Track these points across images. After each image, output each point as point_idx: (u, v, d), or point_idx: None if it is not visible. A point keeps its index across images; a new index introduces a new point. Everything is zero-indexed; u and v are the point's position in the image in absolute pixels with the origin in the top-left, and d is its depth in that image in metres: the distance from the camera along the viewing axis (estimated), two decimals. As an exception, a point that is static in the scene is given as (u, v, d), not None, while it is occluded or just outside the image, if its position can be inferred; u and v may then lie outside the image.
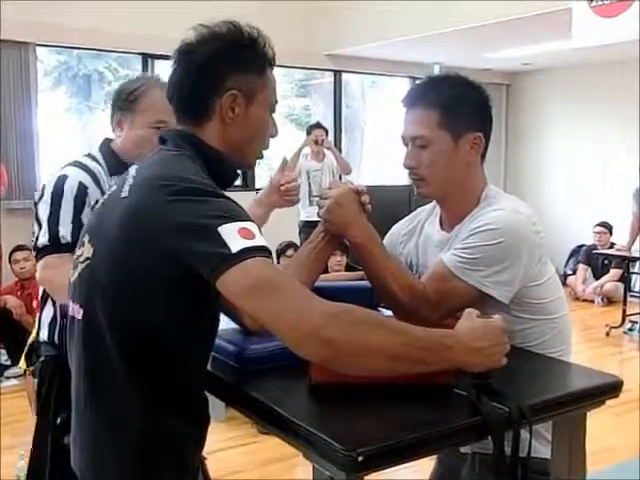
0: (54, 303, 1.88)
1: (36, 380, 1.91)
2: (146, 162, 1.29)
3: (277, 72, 1.36)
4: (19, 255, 5.13)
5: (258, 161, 1.39)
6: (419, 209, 1.78)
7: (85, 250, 1.24)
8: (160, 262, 1.12)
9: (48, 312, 1.90)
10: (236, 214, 1.12)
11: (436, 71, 7.56)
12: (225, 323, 1.42)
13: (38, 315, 1.97)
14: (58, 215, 1.78)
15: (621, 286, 6.78)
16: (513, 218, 1.49)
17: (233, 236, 1.07)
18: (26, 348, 2.72)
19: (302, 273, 1.46)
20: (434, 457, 1.81)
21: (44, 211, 1.81)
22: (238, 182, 1.40)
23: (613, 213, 7.50)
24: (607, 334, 5.96)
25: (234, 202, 1.16)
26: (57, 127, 7.05)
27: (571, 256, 8.06)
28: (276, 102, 1.36)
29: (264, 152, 1.39)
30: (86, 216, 1.77)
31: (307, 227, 5.91)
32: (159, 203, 1.12)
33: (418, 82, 1.66)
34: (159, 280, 1.14)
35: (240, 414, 1.35)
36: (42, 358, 1.91)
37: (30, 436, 1.91)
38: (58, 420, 1.77)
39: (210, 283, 1.08)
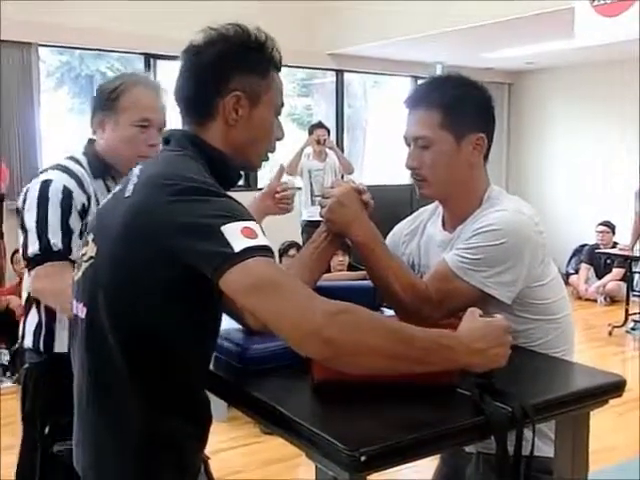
0: (39, 310, 1.83)
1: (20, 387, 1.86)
2: (150, 162, 1.29)
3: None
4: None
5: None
6: (421, 209, 1.78)
7: (89, 249, 1.24)
8: (162, 261, 1.12)
9: (33, 318, 1.85)
10: (239, 213, 1.12)
11: (438, 70, 7.55)
12: (227, 323, 1.42)
13: (22, 322, 1.91)
14: (46, 222, 1.71)
15: (624, 285, 6.77)
16: (516, 219, 1.49)
17: (236, 235, 1.07)
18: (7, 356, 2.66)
19: (304, 273, 1.47)
20: (437, 457, 1.81)
21: (30, 218, 1.73)
22: (240, 182, 1.39)
23: (615, 212, 7.50)
24: (610, 333, 5.96)
25: (237, 202, 1.16)
26: (59, 127, 7.06)
27: (573, 255, 8.05)
28: (282, 105, 1.36)
29: (270, 154, 1.38)
30: (74, 220, 1.73)
31: (309, 227, 5.91)
32: (162, 202, 1.12)
33: (421, 83, 1.66)
34: (161, 279, 1.14)
35: (242, 414, 1.35)
36: (26, 365, 1.85)
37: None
38: (46, 429, 1.73)
39: (213, 282, 1.08)
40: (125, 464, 1.20)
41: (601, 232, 7.42)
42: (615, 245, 7.21)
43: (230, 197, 1.16)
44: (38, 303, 1.83)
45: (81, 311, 1.24)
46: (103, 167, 1.84)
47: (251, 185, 6.93)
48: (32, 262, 1.72)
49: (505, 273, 1.45)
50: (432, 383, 1.14)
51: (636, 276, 7.01)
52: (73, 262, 1.65)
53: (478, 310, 1.23)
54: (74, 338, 1.30)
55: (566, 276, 7.54)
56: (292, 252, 4.74)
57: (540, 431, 1.39)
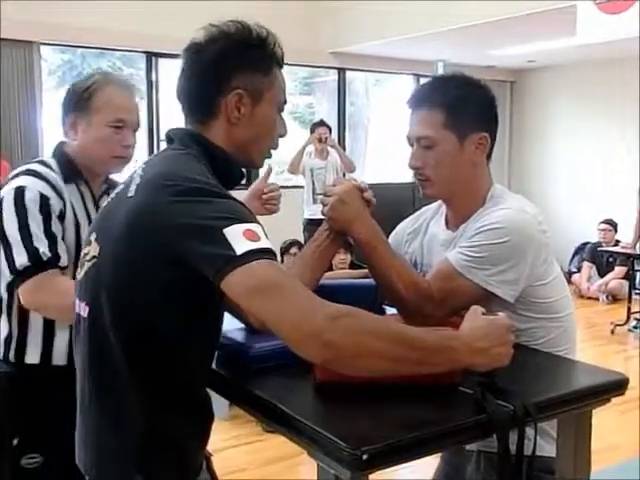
0: (9, 319, 1.73)
1: None
2: (153, 161, 1.29)
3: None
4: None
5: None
6: (424, 208, 1.77)
7: (92, 249, 1.24)
8: (164, 262, 1.12)
9: (4, 328, 1.75)
10: (241, 215, 1.11)
11: (440, 69, 7.54)
12: (229, 322, 1.42)
13: None
14: (29, 231, 1.62)
15: (626, 284, 6.76)
16: (519, 217, 1.49)
17: (238, 238, 1.07)
18: None
19: (306, 271, 1.47)
20: (437, 456, 1.80)
21: (12, 229, 1.63)
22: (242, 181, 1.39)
23: (618, 210, 7.49)
24: (612, 332, 5.95)
25: (239, 203, 1.16)
26: (61, 126, 7.06)
27: (575, 254, 8.04)
28: (285, 102, 1.36)
29: (272, 152, 1.38)
30: (55, 226, 1.66)
31: (311, 225, 5.91)
32: (164, 203, 1.12)
33: (423, 82, 1.66)
34: (162, 280, 1.14)
35: (244, 412, 1.35)
36: None
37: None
38: (15, 441, 1.68)
39: (214, 284, 1.08)
40: (127, 463, 1.20)
41: (603, 230, 7.42)
42: (617, 243, 7.21)
43: (233, 198, 1.16)
44: (9, 312, 1.73)
45: (83, 310, 1.24)
46: (75, 171, 1.77)
47: (252, 183, 6.93)
48: (22, 275, 1.62)
49: (508, 271, 1.45)
50: (434, 383, 1.14)
51: (638, 274, 7.00)
52: (62, 268, 1.65)
53: (480, 308, 1.22)
54: (76, 337, 1.30)
55: (568, 274, 7.53)
56: (294, 250, 4.75)
57: (542, 430, 1.39)
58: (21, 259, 1.61)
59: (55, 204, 1.67)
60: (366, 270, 1.57)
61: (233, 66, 1.27)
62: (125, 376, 1.17)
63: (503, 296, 1.46)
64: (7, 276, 1.65)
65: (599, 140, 8.11)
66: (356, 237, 1.50)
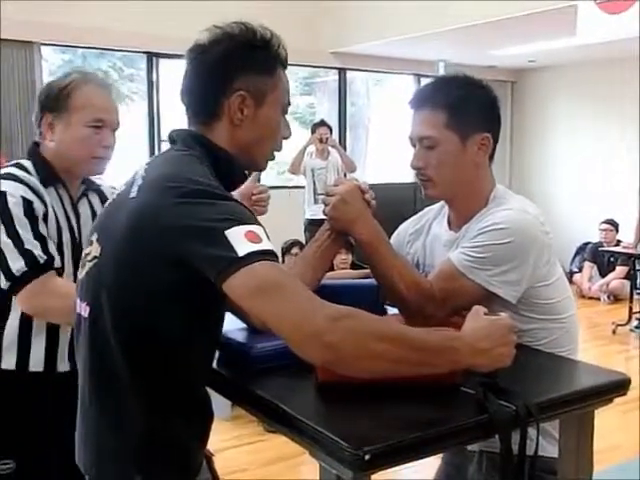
0: None
1: None
2: (155, 162, 1.29)
3: (282, 70, 1.35)
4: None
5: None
6: (427, 208, 1.77)
7: (93, 249, 1.24)
8: (166, 264, 1.12)
9: None
10: (243, 217, 1.11)
11: (441, 69, 7.55)
12: (231, 322, 1.42)
13: None
14: (19, 236, 1.58)
15: (627, 284, 6.75)
16: (522, 218, 1.49)
17: (240, 240, 1.07)
18: None
19: (308, 272, 1.47)
20: (439, 456, 1.80)
21: (0, 236, 1.59)
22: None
23: (619, 210, 7.48)
24: (613, 332, 5.94)
25: (241, 204, 1.16)
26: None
27: (577, 254, 8.03)
28: (289, 103, 1.35)
29: (276, 153, 1.37)
30: (42, 228, 1.62)
31: (312, 225, 5.91)
32: (166, 205, 1.12)
33: (426, 83, 1.65)
34: (164, 281, 1.14)
35: (246, 412, 1.35)
36: None
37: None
38: None
39: (216, 286, 1.08)
40: (126, 463, 1.20)
41: (604, 230, 7.41)
42: (618, 243, 7.20)
43: (235, 200, 1.16)
44: None
45: (84, 310, 1.24)
46: (53, 174, 1.71)
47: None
48: (22, 279, 1.58)
49: (510, 272, 1.44)
50: (436, 383, 1.14)
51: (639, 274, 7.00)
52: (57, 269, 1.62)
53: (483, 308, 1.22)
54: (77, 337, 1.30)
55: (569, 274, 7.52)
56: (295, 250, 4.74)
57: (544, 431, 1.39)
58: (18, 264, 1.58)
59: (38, 207, 1.63)
60: (367, 270, 1.57)
61: (236, 68, 1.26)
62: (125, 376, 1.17)
63: (505, 297, 1.45)
64: None
65: (600, 140, 8.11)
66: (358, 237, 1.49)
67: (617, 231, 7.38)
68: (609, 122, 7.97)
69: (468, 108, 1.52)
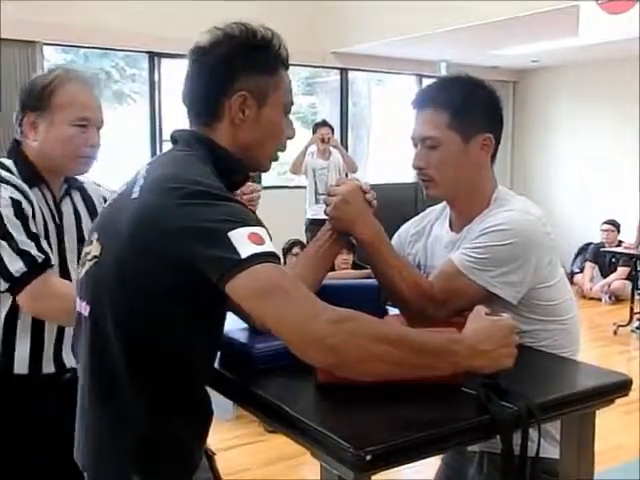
0: None
1: None
2: (157, 162, 1.29)
3: (283, 70, 1.35)
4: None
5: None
6: (428, 209, 1.77)
7: (93, 248, 1.24)
8: (168, 264, 1.12)
9: None
10: (246, 218, 1.11)
11: (442, 69, 7.54)
12: (232, 322, 1.42)
13: None
14: (13, 237, 1.55)
15: (629, 284, 6.75)
16: (524, 219, 1.49)
17: (243, 241, 1.07)
18: None
19: (309, 272, 1.46)
20: (440, 456, 1.80)
21: None
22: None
23: (620, 211, 7.48)
24: (615, 332, 5.94)
25: (244, 206, 1.16)
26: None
27: (578, 254, 8.03)
28: (292, 103, 1.35)
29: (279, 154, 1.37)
30: (33, 227, 1.59)
31: (313, 225, 5.91)
32: (169, 206, 1.12)
33: (429, 83, 1.65)
34: (165, 282, 1.14)
35: (247, 412, 1.35)
36: None
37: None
38: None
39: (219, 288, 1.08)
40: (125, 462, 1.20)
41: (606, 231, 7.41)
42: (620, 244, 7.19)
43: (238, 201, 1.16)
44: None
45: (84, 309, 1.25)
46: (36, 175, 1.68)
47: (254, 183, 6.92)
48: (20, 281, 1.55)
49: (512, 273, 1.44)
50: (437, 382, 1.14)
51: (641, 275, 7.00)
52: (52, 266, 1.60)
53: (484, 308, 1.22)
54: (77, 336, 1.30)
55: (571, 275, 7.52)
56: (296, 250, 4.74)
57: (545, 432, 1.38)
58: (16, 265, 1.55)
59: (26, 207, 1.60)
60: (368, 270, 1.57)
61: (237, 68, 1.26)
62: (125, 375, 1.17)
63: (506, 297, 1.45)
64: None
65: (602, 140, 8.10)
66: (359, 237, 1.49)
67: (619, 232, 7.37)
68: (611, 122, 7.96)
69: (471, 108, 1.52)
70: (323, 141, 6.39)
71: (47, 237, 1.65)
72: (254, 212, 1.75)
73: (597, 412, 1.30)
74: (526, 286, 1.47)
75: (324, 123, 6.55)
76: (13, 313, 1.64)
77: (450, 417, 1.10)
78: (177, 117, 1.40)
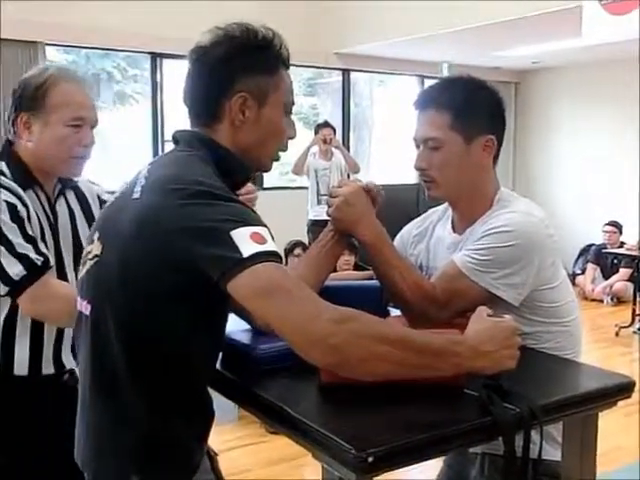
0: None
1: None
2: (158, 163, 1.29)
3: (285, 71, 1.35)
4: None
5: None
6: (430, 210, 1.77)
7: (94, 247, 1.25)
8: (169, 264, 1.12)
9: None
10: (248, 218, 1.12)
11: (444, 70, 7.54)
12: (234, 323, 1.42)
13: None
14: (9, 241, 1.54)
15: (631, 286, 6.75)
16: (527, 221, 1.48)
17: (245, 240, 1.07)
18: None
19: (311, 273, 1.46)
20: (441, 458, 1.80)
21: None
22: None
23: (622, 212, 7.47)
24: (617, 334, 5.93)
25: (246, 206, 1.16)
26: (66, 126, 7.05)
27: (580, 255, 8.02)
28: (292, 103, 1.35)
29: (280, 154, 1.36)
30: (29, 229, 1.58)
31: (315, 226, 5.91)
32: (170, 207, 1.12)
33: (431, 84, 1.65)
34: (167, 281, 1.14)
35: (248, 414, 1.35)
36: None
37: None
38: None
39: (220, 287, 1.08)
40: (125, 461, 1.20)
41: (608, 232, 7.40)
42: (622, 245, 7.18)
43: (240, 201, 1.16)
44: None
45: (85, 308, 1.25)
46: (30, 177, 1.66)
47: (256, 184, 6.93)
48: (19, 284, 1.54)
49: (514, 275, 1.44)
50: (439, 383, 1.14)
51: (643, 276, 6.99)
52: (51, 267, 1.59)
53: (486, 309, 1.22)
54: (78, 335, 1.30)
55: (573, 276, 7.51)
56: (297, 251, 4.74)
57: (547, 434, 1.38)
58: (15, 269, 1.54)
59: (22, 210, 1.58)
60: (370, 272, 1.57)
61: (237, 69, 1.26)
62: (126, 375, 1.17)
63: (508, 299, 1.45)
64: None
65: (604, 141, 8.09)
66: (361, 238, 1.49)
67: (621, 233, 7.36)
68: (614, 123, 7.95)
69: (473, 110, 1.52)
70: (325, 142, 6.39)
71: (43, 239, 1.64)
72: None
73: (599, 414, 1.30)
74: (528, 288, 1.47)
75: (326, 124, 6.54)
76: (12, 315, 1.64)
77: (452, 419, 1.10)
78: (179, 118, 1.40)
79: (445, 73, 7.47)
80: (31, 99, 1.64)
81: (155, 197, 1.15)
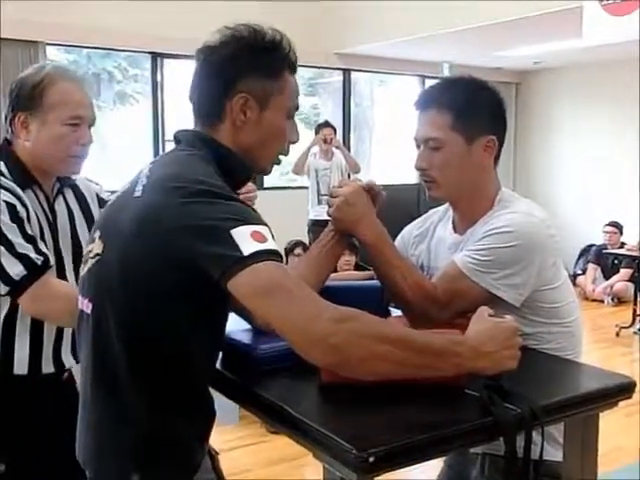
0: None
1: None
2: (160, 162, 1.29)
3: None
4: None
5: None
6: (431, 211, 1.77)
7: (95, 246, 1.25)
8: (170, 263, 1.12)
9: None
10: (249, 217, 1.12)
11: (445, 70, 7.54)
12: (235, 323, 1.41)
13: None
14: (9, 241, 1.53)
15: (631, 286, 6.74)
16: (528, 221, 1.48)
17: (245, 239, 1.07)
18: None
19: (311, 273, 1.47)
20: (442, 458, 1.80)
21: None
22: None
23: (623, 213, 7.47)
24: (617, 334, 5.93)
25: (247, 205, 1.16)
26: (66, 126, 7.05)
27: (581, 256, 8.02)
28: (297, 108, 1.35)
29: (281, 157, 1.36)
30: (29, 229, 1.57)
31: (316, 226, 5.90)
32: (171, 205, 1.12)
33: (432, 84, 1.65)
34: (167, 280, 1.14)
35: (249, 413, 1.35)
36: None
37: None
38: None
39: (221, 285, 1.08)
40: (125, 460, 1.20)
41: (609, 232, 7.39)
42: (623, 245, 7.18)
43: (240, 200, 1.16)
44: None
45: (86, 307, 1.25)
46: (28, 176, 1.65)
47: (256, 184, 6.93)
48: (19, 284, 1.54)
49: (515, 276, 1.44)
50: (440, 385, 1.14)
51: (644, 276, 6.99)
52: (51, 267, 1.59)
53: (488, 309, 1.22)
54: (79, 334, 1.30)
55: (573, 277, 7.51)
56: (298, 251, 4.74)
57: (548, 434, 1.38)
58: (16, 269, 1.53)
59: (21, 210, 1.58)
60: (371, 272, 1.57)
61: (241, 70, 1.26)
62: (127, 375, 1.17)
63: (509, 300, 1.45)
64: None
65: (605, 142, 8.09)
66: (361, 238, 1.49)
67: (621, 233, 7.36)
68: (615, 124, 7.95)
69: (474, 110, 1.52)
70: (325, 142, 6.39)
71: (42, 238, 1.64)
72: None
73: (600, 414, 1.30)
74: (529, 288, 1.47)
75: (326, 124, 6.54)
76: (12, 314, 1.64)
77: (453, 419, 1.10)
78: (180, 117, 1.40)
79: (446, 73, 7.47)
80: (28, 98, 1.63)
81: (156, 196, 1.16)
